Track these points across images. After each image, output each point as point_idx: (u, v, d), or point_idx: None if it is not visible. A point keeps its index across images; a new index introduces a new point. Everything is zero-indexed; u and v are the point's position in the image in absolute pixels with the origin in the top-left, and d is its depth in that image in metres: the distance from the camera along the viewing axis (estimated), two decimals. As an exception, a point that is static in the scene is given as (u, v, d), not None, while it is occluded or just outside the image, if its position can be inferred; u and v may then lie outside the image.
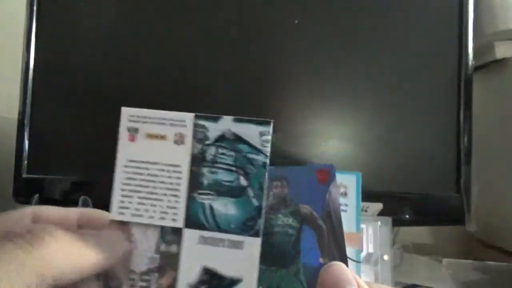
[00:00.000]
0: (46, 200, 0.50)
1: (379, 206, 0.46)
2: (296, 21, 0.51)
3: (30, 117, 0.52)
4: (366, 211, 0.46)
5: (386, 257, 0.44)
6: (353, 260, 0.29)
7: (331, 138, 0.51)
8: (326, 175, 0.28)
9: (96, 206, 0.47)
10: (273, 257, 0.26)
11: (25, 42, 0.52)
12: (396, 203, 0.49)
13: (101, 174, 0.52)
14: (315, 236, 0.26)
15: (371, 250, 0.44)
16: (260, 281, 0.25)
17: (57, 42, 0.53)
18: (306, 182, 0.28)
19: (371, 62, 0.52)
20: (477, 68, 0.57)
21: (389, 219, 0.45)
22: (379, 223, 0.45)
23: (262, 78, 0.52)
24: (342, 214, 0.27)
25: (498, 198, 0.61)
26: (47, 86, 0.53)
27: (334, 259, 0.26)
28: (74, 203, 0.48)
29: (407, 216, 0.49)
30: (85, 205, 0.47)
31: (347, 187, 0.31)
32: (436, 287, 0.48)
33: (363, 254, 0.44)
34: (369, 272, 0.43)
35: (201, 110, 0.53)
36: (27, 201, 0.50)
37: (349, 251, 0.27)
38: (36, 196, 0.49)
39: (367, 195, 0.47)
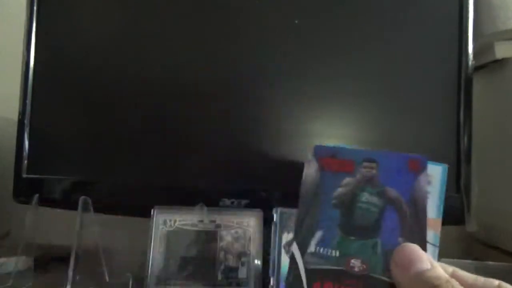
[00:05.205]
0: (46, 200, 0.50)
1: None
2: (296, 21, 0.51)
3: (30, 117, 0.52)
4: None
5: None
6: (432, 244, 0.31)
7: (331, 139, 0.51)
8: (418, 164, 0.30)
9: (96, 206, 0.48)
10: (353, 228, 0.29)
11: (25, 42, 0.52)
12: (396, 203, 0.49)
13: (101, 174, 0.52)
14: (398, 218, 0.29)
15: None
16: (337, 246, 0.29)
17: (57, 42, 0.53)
18: (397, 168, 0.30)
19: (371, 62, 0.52)
20: (477, 68, 0.57)
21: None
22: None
23: (263, 79, 0.52)
24: None
25: (498, 198, 0.61)
26: (47, 86, 0.53)
27: (413, 241, 0.28)
28: (74, 203, 0.48)
29: (407, 216, 0.49)
30: (85, 205, 0.47)
31: (432, 176, 0.33)
32: (436, 287, 0.48)
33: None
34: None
35: (201, 109, 0.53)
36: (27, 201, 0.50)
37: (429, 235, 0.30)
38: (36, 196, 0.49)
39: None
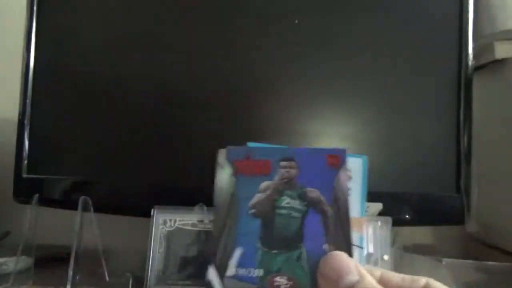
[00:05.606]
0: (46, 200, 0.50)
1: (379, 206, 0.46)
2: (296, 21, 0.51)
3: (30, 117, 0.52)
4: (366, 211, 0.46)
5: (386, 257, 0.44)
6: (357, 246, 0.29)
7: (330, 138, 0.51)
8: (337, 159, 0.27)
9: (96, 206, 0.48)
10: (275, 240, 0.26)
11: (25, 42, 0.52)
12: (396, 203, 0.49)
13: (101, 174, 0.52)
14: (322, 221, 0.26)
15: (371, 250, 0.44)
16: (260, 264, 0.25)
17: (57, 42, 0.53)
18: (316, 165, 0.27)
19: (371, 62, 0.52)
20: (477, 68, 0.57)
21: (389, 219, 0.45)
22: (379, 223, 0.45)
23: (262, 79, 0.52)
24: None
25: (498, 198, 0.61)
26: (47, 86, 0.53)
27: (339, 246, 0.25)
28: (74, 203, 0.48)
29: (407, 216, 0.49)
30: (85, 205, 0.47)
31: (352, 170, 0.30)
32: (436, 287, 0.48)
33: (363, 254, 0.44)
34: (369, 272, 0.43)
35: (201, 109, 0.53)
36: (27, 201, 0.50)
37: (353, 237, 0.27)
38: (36, 196, 0.49)
39: (367, 195, 0.47)
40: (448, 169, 0.50)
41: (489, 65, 0.63)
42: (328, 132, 0.51)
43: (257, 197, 0.27)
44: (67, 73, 0.53)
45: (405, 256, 0.56)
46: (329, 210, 0.26)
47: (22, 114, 0.52)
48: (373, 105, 0.51)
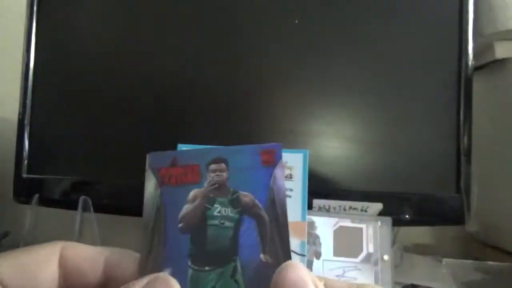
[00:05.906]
0: (46, 200, 0.50)
1: (379, 206, 0.46)
2: (296, 21, 0.51)
3: (30, 117, 0.52)
4: (366, 211, 0.46)
5: (386, 257, 0.44)
6: (298, 254, 0.25)
7: (330, 138, 0.51)
8: (271, 156, 0.24)
9: (96, 206, 0.48)
10: (206, 256, 0.23)
11: (25, 43, 0.52)
12: (396, 203, 0.49)
13: (101, 174, 0.52)
14: (256, 228, 0.24)
15: (371, 250, 0.44)
16: (192, 285, 0.22)
17: (57, 43, 0.53)
18: (248, 165, 0.24)
19: (371, 62, 0.52)
20: (477, 68, 0.57)
21: (389, 219, 0.45)
22: (379, 223, 0.45)
23: (262, 79, 0.52)
24: (287, 200, 0.24)
25: (498, 198, 0.61)
26: (47, 86, 0.53)
27: (277, 255, 0.23)
28: (74, 203, 0.48)
29: (407, 216, 0.49)
30: (85, 205, 0.47)
31: (292, 168, 0.27)
32: (436, 287, 0.48)
33: (363, 254, 0.44)
34: (369, 272, 0.43)
35: (201, 109, 0.53)
36: (27, 201, 0.50)
37: (294, 244, 0.24)
38: (36, 196, 0.49)
39: (367, 195, 0.48)
40: (448, 169, 0.50)
41: (489, 65, 0.63)
42: (328, 132, 0.51)
43: (185, 208, 0.24)
44: (67, 73, 0.53)
45: (405, 256, 0.56)
46: (264, 216, 0.24)
47: (22, 114, 0.52)
48: (373, 104, 0.51)
